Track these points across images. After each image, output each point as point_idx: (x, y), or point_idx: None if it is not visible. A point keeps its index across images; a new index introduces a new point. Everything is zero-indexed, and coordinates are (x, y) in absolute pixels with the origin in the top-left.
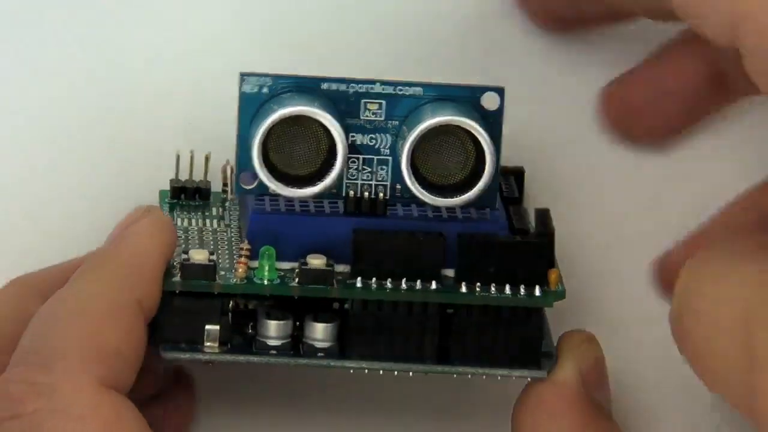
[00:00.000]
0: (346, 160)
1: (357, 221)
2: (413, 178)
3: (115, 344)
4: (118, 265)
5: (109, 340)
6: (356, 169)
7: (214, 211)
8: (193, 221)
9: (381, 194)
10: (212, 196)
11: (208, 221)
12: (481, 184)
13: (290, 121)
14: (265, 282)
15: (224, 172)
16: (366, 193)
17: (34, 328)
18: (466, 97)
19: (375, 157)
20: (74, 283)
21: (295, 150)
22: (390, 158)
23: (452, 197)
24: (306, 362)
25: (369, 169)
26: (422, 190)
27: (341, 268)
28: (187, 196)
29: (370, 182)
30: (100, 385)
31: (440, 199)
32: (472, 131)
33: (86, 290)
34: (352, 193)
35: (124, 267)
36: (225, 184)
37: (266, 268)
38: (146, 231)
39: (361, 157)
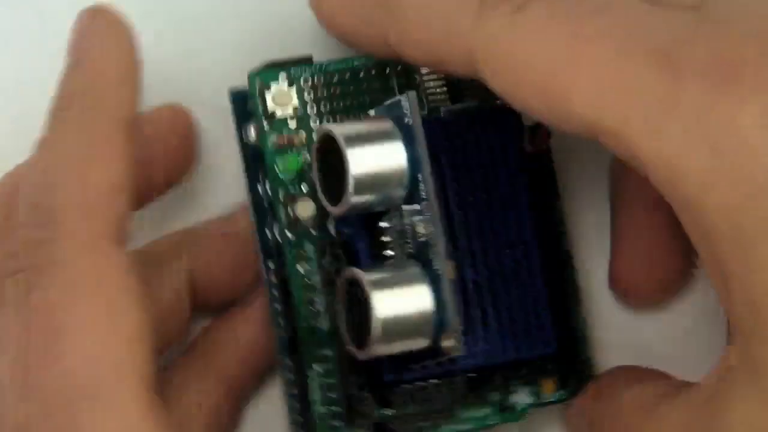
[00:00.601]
0: None
1: None
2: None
3: (111, 181)
4: (93, 98)
5: (101, 182)
6: None
7: None
8: None
9: None
10: None
11: None
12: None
13: None
14: None
15: None
16: None
17: (28, 185)
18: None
19: None
20: (57, 129)
21: None
22: None
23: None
24: None
25: None
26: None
27: None
28: None
29: None
30: (101, 239)
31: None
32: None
33: (78, 135)
34: None
35: (99, 97)
36: None
37: None
38: (107, 47)
39: None
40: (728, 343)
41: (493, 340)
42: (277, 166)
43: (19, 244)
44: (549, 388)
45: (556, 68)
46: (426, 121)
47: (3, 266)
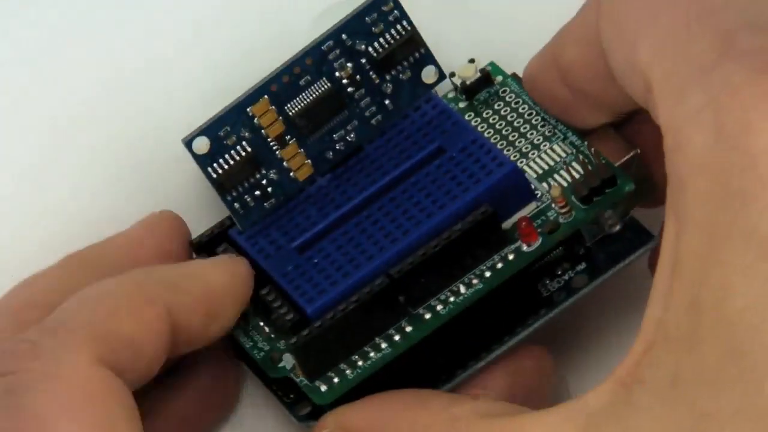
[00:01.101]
0: None
1: None
2: None
3: (128, 333)
4: (166, 273)
5: (122, 327)
6: None
7: None
8: None
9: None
10: None
11: None
12: None
13: None
14: None
15: None
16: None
17: (67, 302)
18: None
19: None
20: (123, 275)
21: None
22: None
23: None
24: None
25: None
26: None
27: None
28: None
29: None
30: (99, 362)
31: None
32: None
33: (120, 281)
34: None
35: (172, 277)
36: None
37: None
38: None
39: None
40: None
41: None
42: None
43: (22, 343)
44: None
45: (639, 26)
46: None
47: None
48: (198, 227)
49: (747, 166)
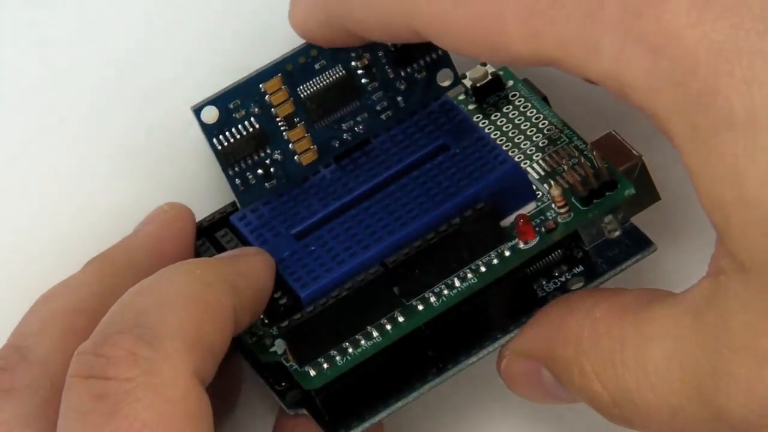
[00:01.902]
0: None
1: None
2: None
3: (211, 340)
4: (224, 272)
5: (207, 335)
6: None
7: None
8: None
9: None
10: None
11: None
12: None
13: None
14: None
15: None
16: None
17: (135, 303)
18: None
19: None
20: (179, 272)
21: None
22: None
23: None
24: None
25: None
26: None
27: None
28: None
29: None
30: (194, 376)
31: None
32: None
33: (192, 282)
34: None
35: (231, 276)
36: None
37: None
38: (258, 261)
39: None
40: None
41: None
42: None
43: (115, 349)
44: None
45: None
46: None
47: (85, 365)
48: (200, 210)
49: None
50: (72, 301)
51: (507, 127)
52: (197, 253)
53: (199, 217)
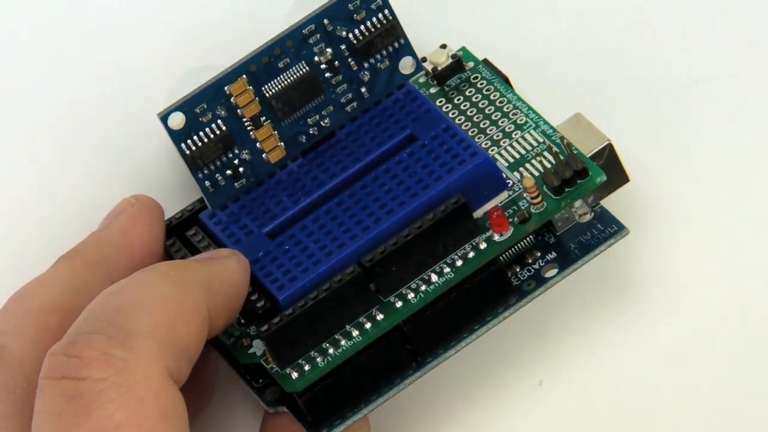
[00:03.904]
0: None
1: None
2: None
3: (185, 341)
4: (199, 274)
5: (181, 335)
6: None
7: None
8: None
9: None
10: None
11: None
12: None
13: None
14: None
15: None
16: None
17: (109, 303)
18: None
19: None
20: (153, 274)
21: None
22: None
23: None
24: None
25: None
26: None
27: None
28: None
29: None
30: (168, 376)
31: None
32: None
33: (166, 284)
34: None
35: (205, 278)
36: None
37: None
38: (232, 263)
39: None
40: None
41: None
42: None
43: (87, 349)
44: None
45: None
46: None
47: (57, 366)
48: (168, 207)
49: None
50: (45, 300)
51: (471, 112)
52: (168, 253)
53: (167, 214)
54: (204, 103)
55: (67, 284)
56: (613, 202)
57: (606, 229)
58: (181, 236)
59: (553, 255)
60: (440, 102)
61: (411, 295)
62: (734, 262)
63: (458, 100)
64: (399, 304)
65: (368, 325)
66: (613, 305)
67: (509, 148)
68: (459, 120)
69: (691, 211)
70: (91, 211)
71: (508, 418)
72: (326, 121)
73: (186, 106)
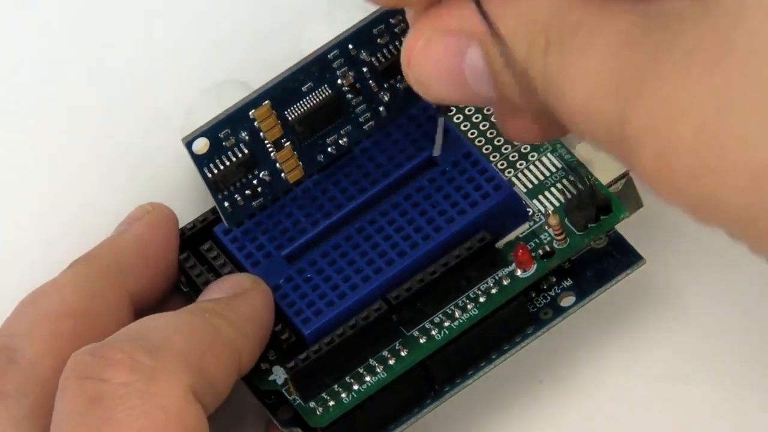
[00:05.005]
0: None
1: None
2: None
3: (213, 374)
4: (229, 316)
5: (210, 368)
6: None
7: None
8: None
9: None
10: None
11: None
12: None
13: None
14: None
15: None
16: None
17: (141, 323)
18: None
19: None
20: (185, 312)
21: None
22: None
23: None
24: None
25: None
26: None
27: None
28: None
29: None
30: (193, 393)
31: None
32: None
33: (199, 323)
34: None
35: (237, 323)
36: None
37: None
38: (258, 299)
39: None
40: None
41: None
42: None
43: (114, 351)
44: None
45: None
46: None
47: (82, 365)
48: (181, 214)
49: None
50: (60, 304)
51: (491, 133)
52: (182, 268)
53: (179, 223)
54: (228, 128)
55: (81, 289)
56: (631, 231)
57: (622, 259)
58: (195, 250)
59: (569, 282)
60: (457, 119)
61: (434, 331)
62: (745, 286)
63: (477, 118)
64: (423, 340)
65: (392, 361)
66: (615, 307)
67: (526, 172)
68: (472, 134)
69: (702, 235)
70: (106, 216)
71: (508, 416)
72: (344, 140)
73: (211, 131)
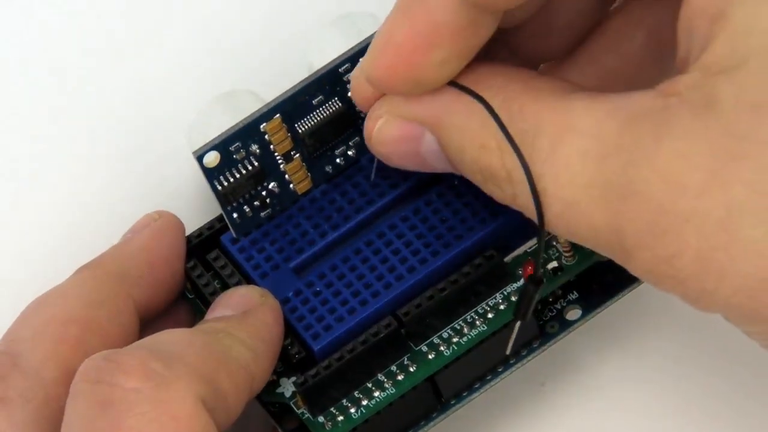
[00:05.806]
0: None
1: None
2: None
3: (225, 390)
4: (243, 337)
5: (223, 384)
6: None
7: None
8: None
9: None
10: None
11: None
12: None
13: None
14: None
15: None
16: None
17: (155, 337)
18: None
19: None
20: (198, 330)
21: None
22: None
23: None
24: None
25: None
26: None
27: None
28: None
29: None
30: (203, 404)
31: None
32: None
33: (213, 341)
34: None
35: (249, 343)
36: None
37: None
38: (268, 315)
39: None
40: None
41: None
42: None
43: (127, 357)
44: None
45: None
46: None
47: (94, 368)
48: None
49: None
50: (64, 310)
51: None
52: (189, 276)
53: (186, 230)
54: (239, 142)
55: (87, 296)
56: None
57: (629, 273)
58: (202, 259)
59: (575, 295)
60: None
61: (443, 347)
62: None
63: None
64: (432, 355)
65: (401, 377)
66: (618, 314)
67: None
68: None
69: None
70: (112, 224)
71: (510, 419)
72: (352, 151)
73: (221, 145)
